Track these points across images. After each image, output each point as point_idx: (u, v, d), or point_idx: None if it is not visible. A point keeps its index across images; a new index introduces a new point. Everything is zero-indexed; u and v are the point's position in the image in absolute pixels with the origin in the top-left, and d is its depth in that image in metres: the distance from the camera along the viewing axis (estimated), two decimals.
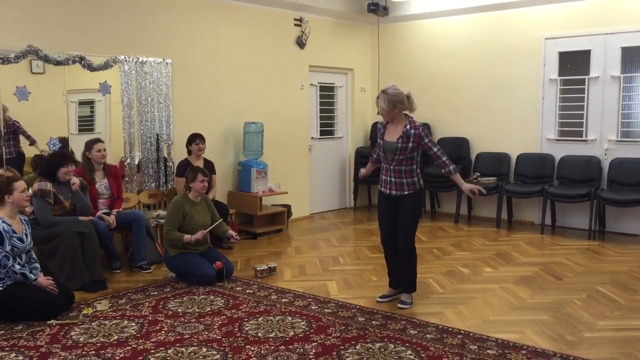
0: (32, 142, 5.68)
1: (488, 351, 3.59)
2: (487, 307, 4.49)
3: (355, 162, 8.80)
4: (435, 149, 4.33)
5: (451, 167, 4.36)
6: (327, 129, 8.78)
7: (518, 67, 7.66)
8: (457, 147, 8.12)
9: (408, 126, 4.29)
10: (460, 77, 8.18)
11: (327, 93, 8.74)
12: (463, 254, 6.18)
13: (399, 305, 4.44)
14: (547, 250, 6.37)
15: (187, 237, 5.03)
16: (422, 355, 3.54)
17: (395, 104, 4.28)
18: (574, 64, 7.33)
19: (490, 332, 3.90)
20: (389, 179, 4.38)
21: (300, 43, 8.01)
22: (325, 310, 4.38)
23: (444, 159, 4.33)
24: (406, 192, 4.33)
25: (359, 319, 4.19)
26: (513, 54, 7.70)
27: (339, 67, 8.71)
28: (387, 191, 4.40)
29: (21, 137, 5.70)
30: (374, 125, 4.28)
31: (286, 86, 7.92)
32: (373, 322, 4.13)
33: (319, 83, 8.56)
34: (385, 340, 3.78)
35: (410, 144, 4.27)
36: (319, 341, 3.77)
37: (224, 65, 7.12)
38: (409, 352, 3.59)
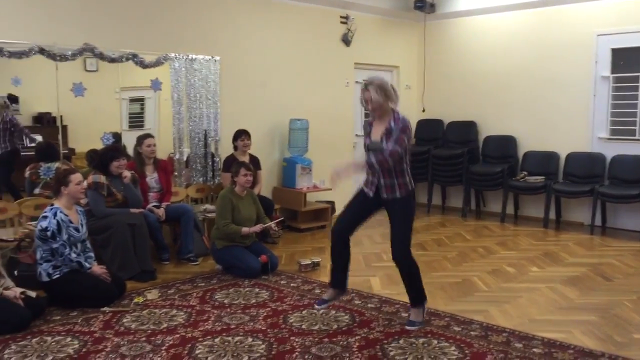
0: (32, 141, 5.97)
1: (534, 350, 3.55)
2: (534, 306, 4.43)
3: None
4: (391, 145, 3.68)
5: (371, 160, 3.74)
6: None
7: (569, 64, 7.49)
8: (504, 145, 8.00)
9: (391, 122, 3.75)
10: (509, 75, 8.05)
11: None
12: (509, 253, 6.10)
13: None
14: (596, 251, 6.22)
15: (245, 229, 5.13)
16: (466, 351, 3.53)
17: (388, 95, 3.75)
18: (627, 60, 7.12)
19: (536, 331, 3.85)
20: (377, 180, 3.83)
21: (346, 40, 8.04)
22: (369, 305, 4.41)
23: (386, 156, 3.69)
24: (398, 195, 3.79)
25: (403, 314, 4.20)
26: (564, 51, 7.53)
27: (385, 64, 8.69)
28: (374, 194, 3.86)
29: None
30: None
31: (332, 83, 7.97)
32: None
33: (365, 80, 8.55)
34: (429, 335, 3.78)
35: None
36: (363, 335, 3.80)
37: (270, 62, 7.22)
38: (453, 348, 3.58)
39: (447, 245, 6.46)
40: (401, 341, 3.69)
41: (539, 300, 4.56)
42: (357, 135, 8.47)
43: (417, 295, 3.97)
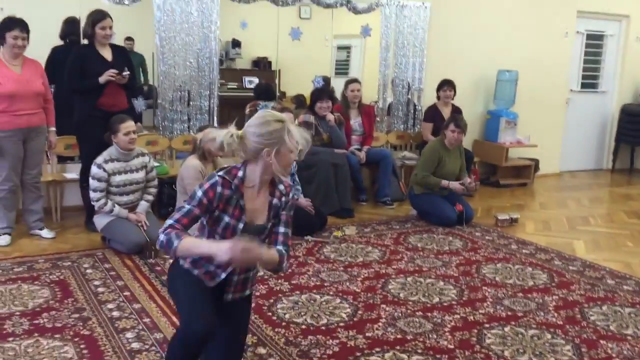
0: None
1: None
2: None
3: (619, 120, 7.96)
4: None
5: None
6: (589, 82, 8.04)
7: None
8: None
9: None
10: None
11: (594, 42, 7.94)
12: None
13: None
14: None
15: (445, 182, 5.10)
16: None
17: None
18: None
19: None
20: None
21: None
22: (570, 267, 4.16)
23: None
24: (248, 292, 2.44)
25: (608, 281, 3.90)
26: None
27: (613, 13, 7.81)
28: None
29: None
30: None
31: (548, 33, 7.38)
32: (624, 286, 3.81)
33: (587, 31, 7.80)
34: (638, 306, 3.48)
35: None
36: (561, 295, 3.62)
37: (482, 9, 6.90)
38: None
39: None
40: (604, 307, 3.45)
41: None
42: (571, 90, 7.84)
43: None
